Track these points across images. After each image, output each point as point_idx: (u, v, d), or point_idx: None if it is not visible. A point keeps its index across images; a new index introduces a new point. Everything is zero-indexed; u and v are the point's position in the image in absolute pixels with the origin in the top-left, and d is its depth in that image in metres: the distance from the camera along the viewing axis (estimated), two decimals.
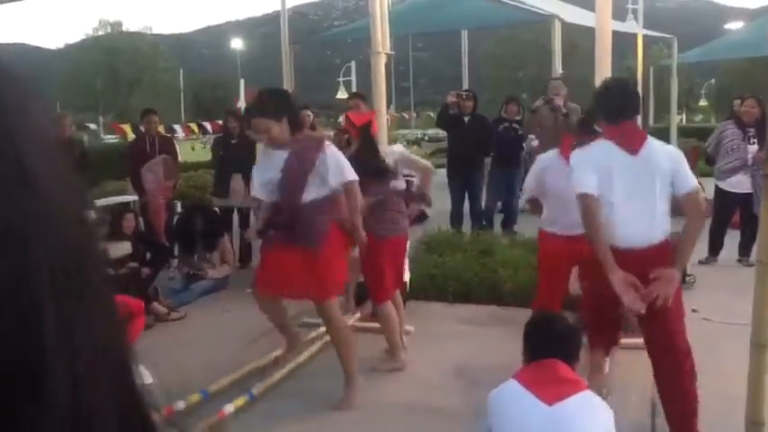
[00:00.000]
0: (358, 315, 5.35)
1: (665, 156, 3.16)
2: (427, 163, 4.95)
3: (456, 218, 8.50)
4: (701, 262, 6.96)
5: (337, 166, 3.85)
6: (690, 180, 3.10)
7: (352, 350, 3.98)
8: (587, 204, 3.11)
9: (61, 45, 76.52)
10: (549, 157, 4.15)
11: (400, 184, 4.62)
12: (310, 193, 3.86)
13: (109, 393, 0.40)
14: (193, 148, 23.83)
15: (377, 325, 4.75)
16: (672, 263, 2.97)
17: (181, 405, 3.75)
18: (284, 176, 3.87)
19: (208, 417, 3.62)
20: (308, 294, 4.00)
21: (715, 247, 7.16)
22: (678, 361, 3.18)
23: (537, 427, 2.28)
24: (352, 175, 3.85)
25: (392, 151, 4.83)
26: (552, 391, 2.33)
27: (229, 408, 3.72)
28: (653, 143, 3.20)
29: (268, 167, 4.00)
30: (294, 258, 3.81)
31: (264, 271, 4.07)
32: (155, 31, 78.32)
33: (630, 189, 3.11)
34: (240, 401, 3.83)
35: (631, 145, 3.13)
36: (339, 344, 3.97)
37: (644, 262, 2.99)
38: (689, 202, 3.09)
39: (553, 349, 2.46)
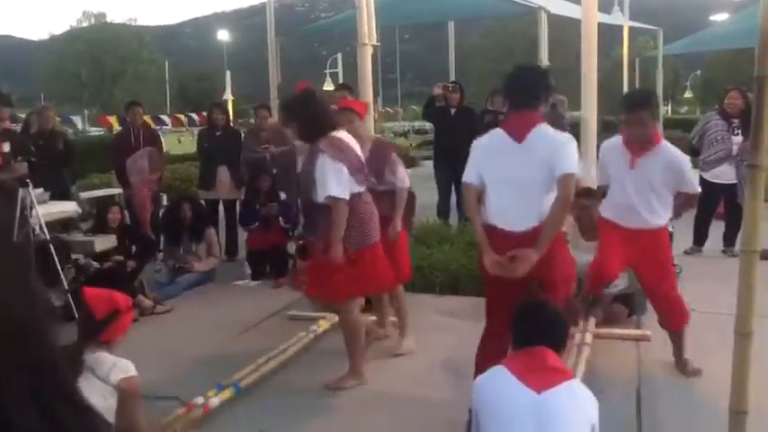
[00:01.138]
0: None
1: (548, 143, 3.21)
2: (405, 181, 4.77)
3: (443, 210, 8.50)
4: (686, 252, 7.01)
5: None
6: (565, 164, 3.14)
7: (357, 344, 4.07)
8: (464, 192, 3.43)
9: (45, 36, 75.75)
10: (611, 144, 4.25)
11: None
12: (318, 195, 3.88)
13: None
14: (180, 140, 23.74)
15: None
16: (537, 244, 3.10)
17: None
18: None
19: (192, 409, 3.60)
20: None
21: (700, 237, 7.21)
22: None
23: (525, 414, 2.29)
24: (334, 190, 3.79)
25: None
26: (540, 378, 2.34)
27: (214, 401, 3.71)
28: (541, 131, 3.24)
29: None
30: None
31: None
32: (140, 23, 77.51)
33: (511, 175, 3.25)
34: (227, 394, 3.82)
35: (518, 133, 3.25)
36: (346, 336, 4.10)
37: (521, 245, 3.13)
38: (559, 184, 3.14)
39: (541, 337, 2.47)
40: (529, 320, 2.56)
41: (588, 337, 4.51)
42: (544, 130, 3.26)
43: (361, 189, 3.95)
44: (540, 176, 3.19)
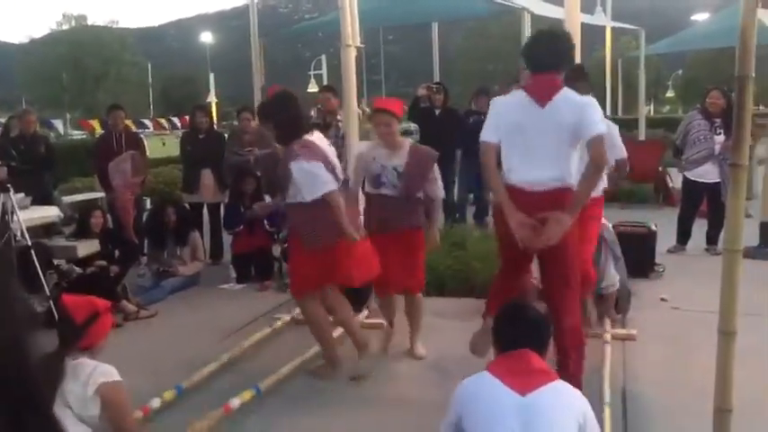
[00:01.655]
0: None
1: (572, 106, 3.26)
2: None
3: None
4: (669, 251, 7.06)
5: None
6: (593, 127, 3.19)
7: (323, 334, 4.30)
8: (483, 151, 3.42)
9: (25, 40, 75.05)
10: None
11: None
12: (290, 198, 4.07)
13: None
14: (164, 143, 23.56)
15: (379, 321, 4.98)
16: (567, 207, 3.15)
17: (156, 403, 3.70)
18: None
19: (209, 412, 3.56)
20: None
21: (683, 236, 7.26)
22: (567, 297, 3.47)
23: (510, 417, 2.28)
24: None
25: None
26: (525, 381, 2.34)
27: (235, 402, 3.67)
28: (565, 95, 3.28)
29: None
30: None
31: None
32: (121, 25, 77.04)
33: (534, 137, 3.29)
34: (247, 395, 3.79)
35: (541, 97, 3.28)
36: (311, 329, 4.32)
37: (543, 204, 3.18)
38: (589, 147, 3.19)
39: (524, 339, 2.47)
40: (512, 324, 2.56)
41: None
42: (568, 94, 3.31)
43: (333, 188, 3.97)
44: (566, 139, 3.25)
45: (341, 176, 4.13)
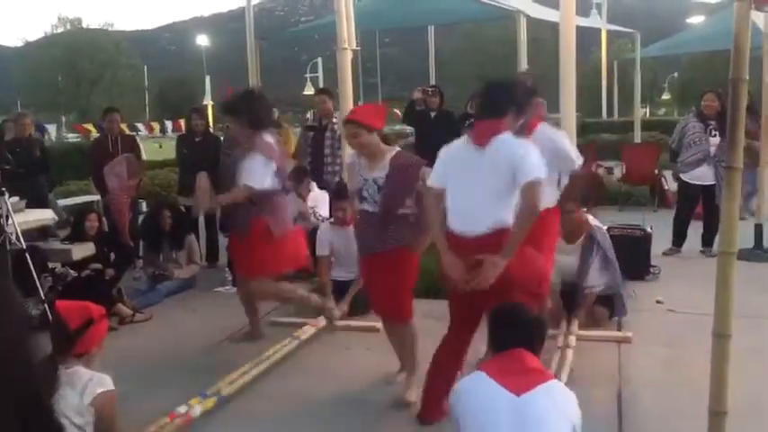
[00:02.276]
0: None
1: (510, 150, 3.26)
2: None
3: None
4: (665, 253, 7.07)
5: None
6: (528, 171, 3.16)
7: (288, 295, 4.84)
8: (426, 194, 3.57)
9: (20, 43, 75.01)
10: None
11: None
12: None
13: None
14: (161, 145, 23.55)
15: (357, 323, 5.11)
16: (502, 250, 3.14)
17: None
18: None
19: (175, 419, 3.56)
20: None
21: (679, 238, 7.27)
22: None
23: (505, 417, 2.29)
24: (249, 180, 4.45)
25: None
26: (520, 381, 2.35)
27: (196, 410, 3.67)
28: (504, 139, 3.29)
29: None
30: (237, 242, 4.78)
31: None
32: (116, 28, 76.98)
33: (471, 181, 3.32)
34: (210, 403, 3.78)
35: (480, 140, 3.32)
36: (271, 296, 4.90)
37: (479, 249, 3.18)
38: (523, 192, 3.18)
39: (518, 339, 2.48)
40: (505, 324, 2.57)
41: (572, 340, 4.52)
42: (507, 137, 3.31)
43: (278, 188, 4.56)
44: (500, 182, 3.23)
45: (285, 181, 4.69)
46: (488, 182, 3.25)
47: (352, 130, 3.88)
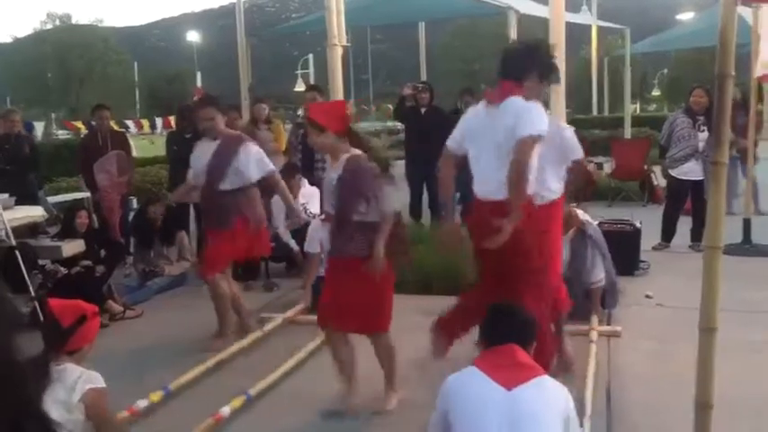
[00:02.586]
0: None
1: (512, 111, 3.29)
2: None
3: (415, 210, 8.53)
4: (654, 248, 7.11)
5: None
6: (523, 129, 3.19)
7: (225, 305, 4.94)
8: (442, 156, 3.69)
9: (9, 39, 74.54)
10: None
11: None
12: (226, 184, 4.72)
13: None
14: (152, 142, 23.46)
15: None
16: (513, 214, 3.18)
17: (143, 404, 3.69)
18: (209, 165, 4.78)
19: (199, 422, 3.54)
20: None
21: (668, 233, 7.31)
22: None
23: (496, 411, 2.31)
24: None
25: None
26: (510, 375, 2.36)
27: (225, 410, 3.64)
28: (512, 101, 3.32)
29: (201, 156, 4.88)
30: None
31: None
32: (106, 24, 76.56)
33: (484, 145, 3.39)
34: (237, 402, 3.76)
35: (493, 98, 3.38)
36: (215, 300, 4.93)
37: (496, 212, 3.23)
38: (515, 146, 3.22)
39: (509, 335, 2.50)
40: (497, 321, 2.59)
41: (594, 335, 4.55)
42: (512, 100, 3.32)
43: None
44: (507, 144, 3.25)
45: None
46: (497, 143, 3.28)
47: (309, 129, 3.78)
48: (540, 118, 3.28)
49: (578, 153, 4.10)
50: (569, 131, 4.13)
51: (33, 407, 0.56)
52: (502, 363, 2.41)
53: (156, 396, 3.81)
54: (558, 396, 2.40)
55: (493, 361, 2.44)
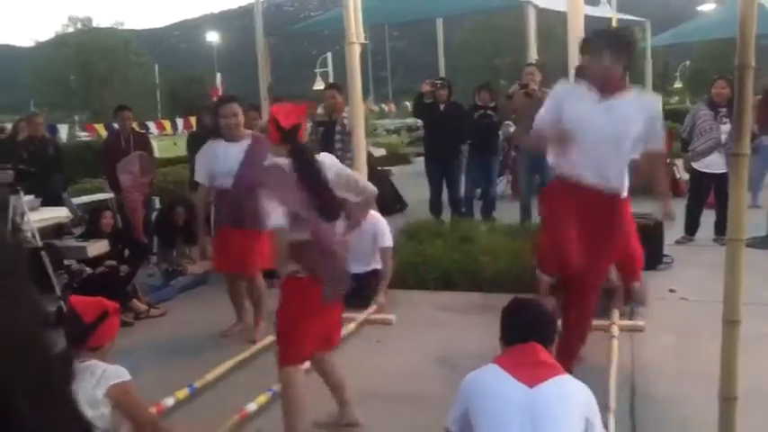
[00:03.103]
0: None
1: (641, 107, 3.68)
2: (371, 187, 3.52)
3: (435, 206, 8.52)
4: (677, 242, 7.05)
5: None
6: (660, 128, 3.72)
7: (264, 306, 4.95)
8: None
9: (31, 43, 75.61)
10: None
11: None
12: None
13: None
14: (175, 143, 23.62)
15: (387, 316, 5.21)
16: None
17: (170, 401, 3.74)
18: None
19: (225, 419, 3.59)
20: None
21: (691, 227, 7.24)
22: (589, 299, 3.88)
23: (517, 408, 2.30)
24: None
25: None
26: (532, 373, 2.36)
27: (251, 406, 3.69)
28: (637, 96, 3.71)
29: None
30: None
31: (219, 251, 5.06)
32: (127, 27, 77.20)
33: (599, 136, 3.61)
34: (263, 399, 3.80)
35: (607, 93, 3.61)
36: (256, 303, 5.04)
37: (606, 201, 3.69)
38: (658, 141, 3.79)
39: (530, 333, 2.49)
40: (518, 318, 2.59)
41: (615, 329, 4.53)
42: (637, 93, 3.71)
43: None
44: (627, 136, 3.61)
45: None
46: (620, 137, 3.57)
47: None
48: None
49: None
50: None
51: (67, 398, 0.59)
52: (523, 361, 2.41)
53: (181, 393, 3.86)
54: (579, 395, 2.39)
55: (514, 359, 2.44)
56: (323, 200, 3.19)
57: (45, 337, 0.60)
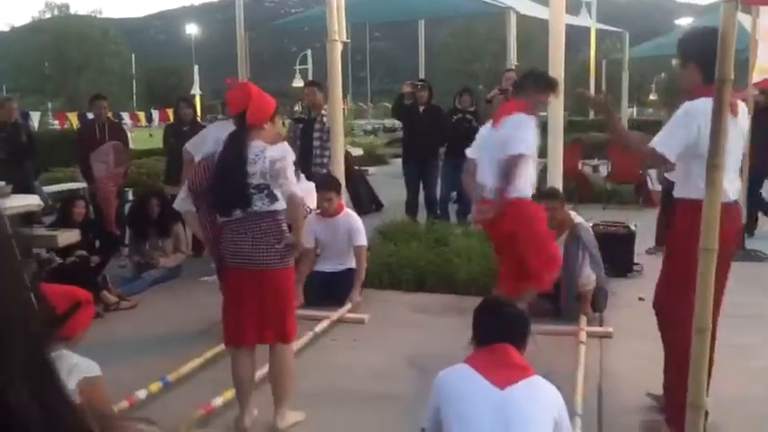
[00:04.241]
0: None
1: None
2: (296, 194, 3.40)
3: (411, 207, 8.54)
4: (648, 252, 7.13)
5: None
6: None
7: None
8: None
9: (6, 28, 74.35)
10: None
11: None
12: None
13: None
14: (151, 134, 23.37)
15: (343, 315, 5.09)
16: None
17: (141, 394, 3.69)
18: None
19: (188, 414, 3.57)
20: None
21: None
22: None
23: (489, 410, 2.31)
24: None
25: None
26: (503, 375, 2.37)
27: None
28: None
29: None
30: None
31: None
32: (105, 15, 76.30)
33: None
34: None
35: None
36: None
37: None
38: None
39: (502, 334, 2.50)
40: (490, 319, 2.59)
41: (583, 336, 4.57)
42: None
43: None
44: None
45: None
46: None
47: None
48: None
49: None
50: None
51: (60, 385, 0.57)
52: (495, 362, 2.41)
53: (155, 386, 3.81)
54: (549, 397, 2.40)
55: (486, 360, 2.44)
56: (226, 189, 3.27)
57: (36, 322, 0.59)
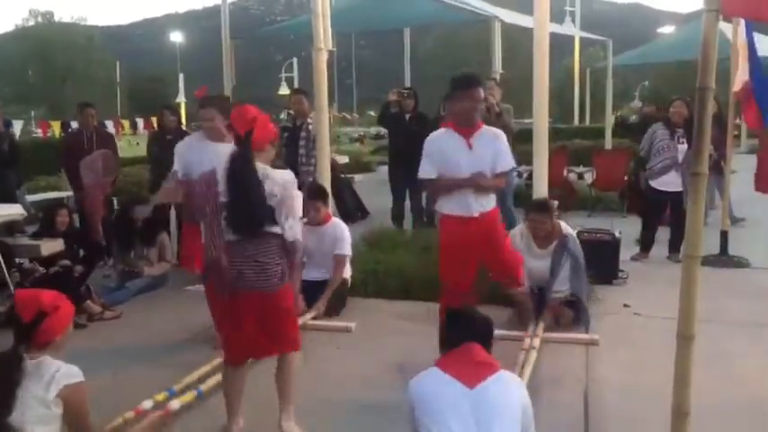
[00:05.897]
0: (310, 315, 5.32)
1: None
2: (297, 235, 3.40)
3: (397, 215, 8.55)
4: (632, 259, 7.18)
5: None
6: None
7: None
8: None
9: None
10: None
11: None
12: None
13: None
14: (138, 143, 23.23)
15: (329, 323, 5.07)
16: None
17: (148, 404, 3.65)
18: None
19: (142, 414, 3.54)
20: None
21: (646, 244, 7.39)
22: None
23: (461, 409, 2.36)
24: None
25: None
26: (472, 373, 2.43)
27: (175, 404, 3.64)
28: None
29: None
30: None
31: None
32: (89, 23, 75.94)
33: None
34: (188, 397, 3.76)
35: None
36: None
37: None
38: None
39: (468, 335, 2.57)
40: (457, 324, 2.65)
41: (536, 342, 4.57)
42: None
43: None
44: None
45: None
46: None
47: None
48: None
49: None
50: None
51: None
52: (462, 360, 2.48)
53: (161, 396, 3.78)
54: (515, 388, 2.50)
55: (453, 360, 2.51)
56: (237, 209, 3.24)
57: None
